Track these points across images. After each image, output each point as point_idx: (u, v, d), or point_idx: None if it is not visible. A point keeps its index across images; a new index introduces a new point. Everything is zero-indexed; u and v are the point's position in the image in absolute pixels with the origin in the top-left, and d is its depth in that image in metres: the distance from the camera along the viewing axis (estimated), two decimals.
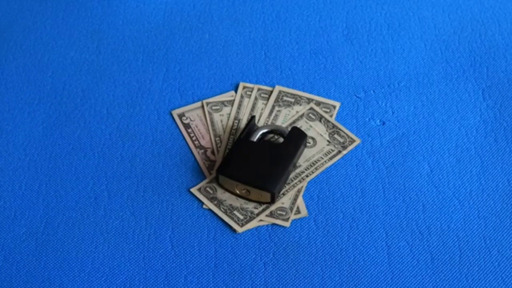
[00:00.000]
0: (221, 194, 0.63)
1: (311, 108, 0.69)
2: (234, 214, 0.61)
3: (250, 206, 0.62)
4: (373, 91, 0.71)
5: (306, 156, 0.65)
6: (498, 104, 0.70)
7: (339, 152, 0.66)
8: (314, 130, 0.67)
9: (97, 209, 0.62)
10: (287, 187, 0.63)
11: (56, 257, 0.60)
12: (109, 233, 0.61)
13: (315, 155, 0.66)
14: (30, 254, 0.60)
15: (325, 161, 0.65)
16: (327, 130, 0.67)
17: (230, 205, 0.62)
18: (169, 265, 0.59)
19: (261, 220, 0.61)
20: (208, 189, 0.63)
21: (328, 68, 0.72)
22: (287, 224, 0.61)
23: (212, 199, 0.62)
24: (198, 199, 0.63)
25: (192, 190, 0.63)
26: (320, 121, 0.68)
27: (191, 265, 0.59)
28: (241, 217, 0.61)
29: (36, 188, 0.63)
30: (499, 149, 0.66)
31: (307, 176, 0.64)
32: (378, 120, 0.68)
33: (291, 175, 0.64)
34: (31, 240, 0.60)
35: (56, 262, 0.59)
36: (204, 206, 0.62)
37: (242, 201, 0.62)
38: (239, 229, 0.60)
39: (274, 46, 0.74)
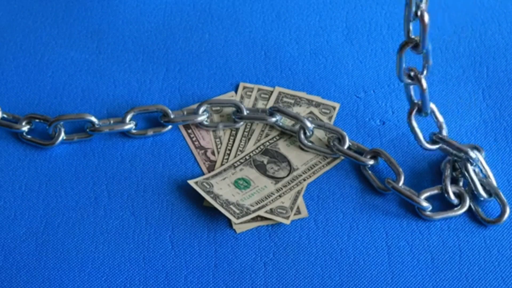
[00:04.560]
0: (218, 190, 0.63)
1: (311, 112, 0.68)
2: (230, 207, 0.61)
3: (246, 203, 0.62)
4: (373, 91, 0.71)
5: (304, 159, 0.65)
6: (498, 104, 0.70)
7: (338, 157, 0.65)
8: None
9: (97, 209, 0.62)
10: (284, 189, 0.63)
11: (56, 257, 0.60)
12: (109, 233, 0.61)
13: (313, 159, 0.65)
14: (30, 254, 0.60)
15: (323, 165, 0.65)
16: (326, 135, 0.67)
17: (227, 200, 0.62)
18: (169, 265, 0.59)
19: (260, 217, 0.61)
20: (205, 183, 0.63)
21: (328, 68, 0.72)
22: (287, 221, 0.61)
23: (208, 192, 0.62)
24: (196, 196, 0.63)
25: (189, 181, 0.63)
26: None
27: (191, 265, 0.59)
28: (237, 211, 0.61)
29: (36, 188, 0.63)
30: (499, 149, 0.66)
31: (304, 180, 0.64)
32: (378, 120, 0.68)
33: (288, 178, 0.64)
34: (31, 240, 0.60)
35: (56, 262, 0.59)
36: (204, 203, 0.62)
37: (238, 197, 0.62)
38: (236, 221, 0.60)
39: (274, 46, 0.74)
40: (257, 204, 0.62)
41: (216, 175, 0.64)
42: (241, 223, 0.61)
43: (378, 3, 0.78)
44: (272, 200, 0.62)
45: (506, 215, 0.60)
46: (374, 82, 0.71)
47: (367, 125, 0.68)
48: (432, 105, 0.62)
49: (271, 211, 0.62)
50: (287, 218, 0.61)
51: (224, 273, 0.59)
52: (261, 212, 0.61)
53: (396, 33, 0.75)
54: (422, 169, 0.64)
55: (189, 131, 0.68)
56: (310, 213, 0.62)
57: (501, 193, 0.61)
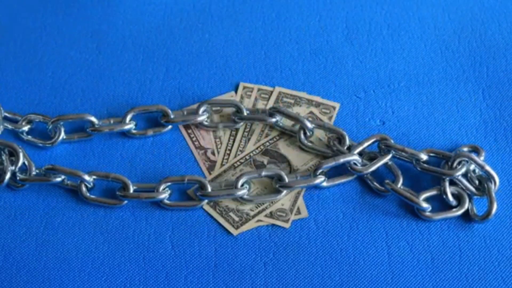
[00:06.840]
0: None
1: (311, 112, 0.69)
2: (229, 215, 0.61)
3: (246, 208, 0.62)
4: (373, 91, 0.71)
5: (304, 159, 0.65)
6: (498, 104, 0.70)
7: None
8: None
9: (97, 209, 0.62)
10: None
11: (56, 257, 0.60)
12: (109, 233, 0.61)
13: (313, 159, 0.65)
14: (30, 254, 0.60)
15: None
16: (326, 135, 0.67)
17: (226, 206, 0.62)
18: (169, 265, 0.59)
19: (260, 221, 0.61)
20: None
21: (328, 68, 0.72)
22: (287, 225, 0.61)
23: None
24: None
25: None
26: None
27: (191, 265, 0.60)
28: (237, 219, 0.61)
29: (36, 188, 0.64)
30: (499, 149, 0.66)
31: None
32: (378, 120, 0.68)
33: None
34: (31, 240, 0.60)
35: (56, 262, 0.59)
36: (204, 207, 0.62)
37: (238, 202, 0.62)
38: (234, 232, 0.60)
39: (274, 46, 0.74)
40: (256, 207, 0.62)
41: (216, 177, 0.64)
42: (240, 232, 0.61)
43: (378, 3, 0.78)
44: (271, 202, 0.62)
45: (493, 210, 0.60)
46: (374, 82, 0.71)
47: (367, 125, 0.68)
48: None
49: (271, 215, 0.62)
50: (287, 221, 0.61)
51: (224, 273, 0.59)
52: (261, 217, 0.61)
53: (396, 33, 0.75)
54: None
55: (189, 131, 0.68)
56: (310, 213, 0.62)
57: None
